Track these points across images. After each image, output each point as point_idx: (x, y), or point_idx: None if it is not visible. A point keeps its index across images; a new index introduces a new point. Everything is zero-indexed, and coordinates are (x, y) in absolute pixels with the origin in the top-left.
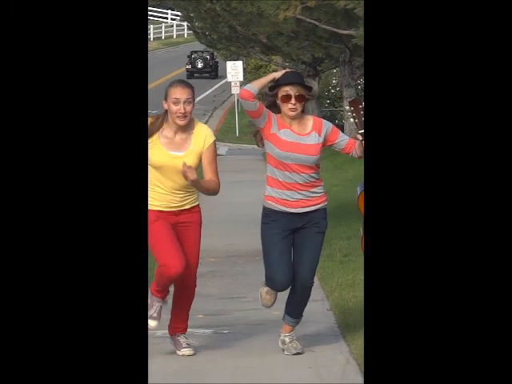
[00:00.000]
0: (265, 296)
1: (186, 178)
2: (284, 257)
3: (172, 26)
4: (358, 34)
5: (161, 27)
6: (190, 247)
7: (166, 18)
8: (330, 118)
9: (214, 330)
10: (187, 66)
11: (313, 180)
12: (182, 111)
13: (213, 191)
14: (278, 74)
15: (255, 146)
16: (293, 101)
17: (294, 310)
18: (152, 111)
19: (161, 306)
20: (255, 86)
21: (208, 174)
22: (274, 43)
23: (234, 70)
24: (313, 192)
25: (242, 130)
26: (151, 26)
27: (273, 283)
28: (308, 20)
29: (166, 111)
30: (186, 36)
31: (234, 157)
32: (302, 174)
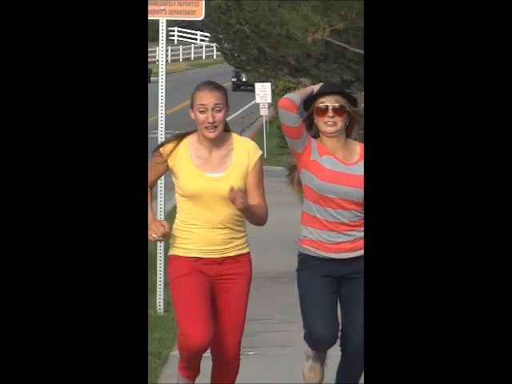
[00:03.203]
0: (308, 374)
1: (235, 204)
2: (326, 303)
3: (201, 47)
4: None
5: (190, 48)
6: (232, 310)
7: (196, 39)
8: (358, 141)
9: None
10: (233, 79)
11: (362, 217)
12: (211, 120)
13: (262, 219)
14: (316, 87)
15: (283, 168)
16: (330, 113)
17: (346, 378)
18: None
19: None
20: (298, 96)
21: (255, 199)
22: (303, 65)
23: (263, 92)
24: (360, 232)
25: (270, 151)
26: (180, 47)
27: (312, 338)
28: (337, 43)
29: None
30: (214, 57)
31: None
32: (351, 211)
